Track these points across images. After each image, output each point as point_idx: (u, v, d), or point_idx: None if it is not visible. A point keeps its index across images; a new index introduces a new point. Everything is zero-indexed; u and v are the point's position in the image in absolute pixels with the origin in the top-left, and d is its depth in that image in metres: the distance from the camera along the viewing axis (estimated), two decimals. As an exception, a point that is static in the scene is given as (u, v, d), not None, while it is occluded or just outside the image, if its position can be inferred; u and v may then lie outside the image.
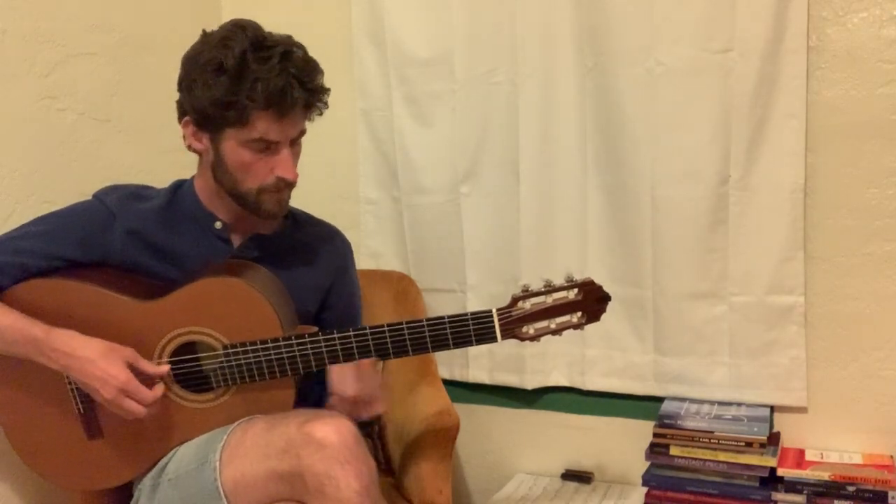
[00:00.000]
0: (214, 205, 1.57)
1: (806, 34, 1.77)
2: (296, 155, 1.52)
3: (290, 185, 1.51)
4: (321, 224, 1.73)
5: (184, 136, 1.53)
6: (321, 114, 1.53)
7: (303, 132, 1.52)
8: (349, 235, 1.76)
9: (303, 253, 1.65)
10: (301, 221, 1.70)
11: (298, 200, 1.70)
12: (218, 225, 1.57)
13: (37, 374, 1.46)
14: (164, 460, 1.50)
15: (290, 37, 1.47)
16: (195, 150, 1.54)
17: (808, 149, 1.81)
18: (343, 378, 1.46)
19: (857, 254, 1.82)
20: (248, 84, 1.39)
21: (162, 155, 2.06)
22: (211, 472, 1.38)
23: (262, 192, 1.49)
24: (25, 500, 1.75)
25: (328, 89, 1.50)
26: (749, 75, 1.80)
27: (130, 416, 1.40)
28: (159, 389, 1.43)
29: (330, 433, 1.30)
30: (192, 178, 1.61)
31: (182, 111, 1.50)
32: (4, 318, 1.43)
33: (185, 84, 1.47)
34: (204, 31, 1.49)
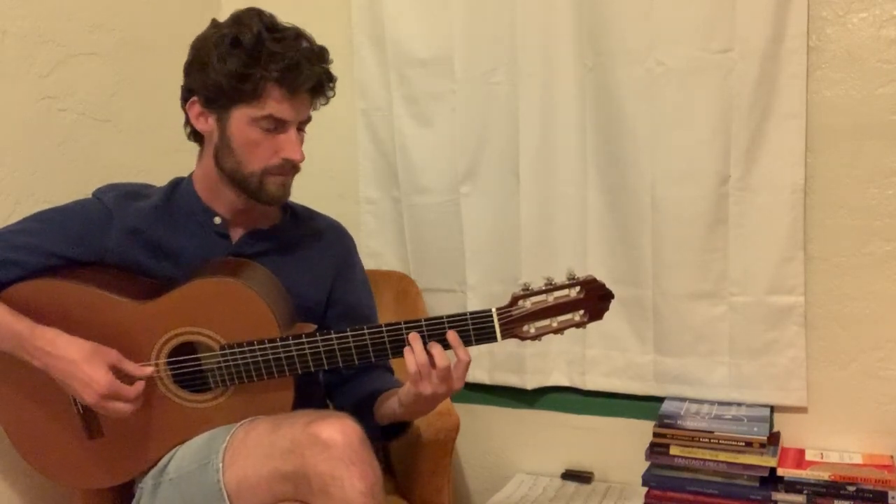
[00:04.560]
0: (213, 199, 1.57)
1: (806, 34, 1.77)
2: (300, 140, 1.53)
3: (295, 167, 1.52)
4: (322, 218, 1.72)
5: (186, 123, 1.54)
6: (326, 102, 1.55)
7: (309, 119, 1.53)
8: (349, 235, 1.76)
9: (303, 248, 1.64)
10: (301, 216, 1.69)
11: (299, 200, 1.70)
12: (217, 220, 1.56)
13: (37, 372, 1.45)
14: (165, 460, 1.49)
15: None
16: (198, 135, 1.54)
17: (808, 149, 1.81)
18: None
19: (857, 254, 1.83)
20: (264, 58, 1.43)
21: (162, 155, 2.06)
22: (213, 473, 1.37)
23: (267, 173, 1.49)
24: (25, 498, 1.75)
25: (335, 77, 1.53)
26: (749, 75, 1.80)
27: (117, 416, 1.41)
28: (140, 385, 1.43)
29: (335, 433, 1.29)
30: (190, 174, 1.60)
31: (188, 92, 1.51)
32: None
33: (196, 64, 1.49)
34: (214, 19, 1.51)
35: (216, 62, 1.44)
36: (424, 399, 1.43)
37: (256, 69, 1.42)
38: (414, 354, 1.39)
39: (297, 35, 1.47)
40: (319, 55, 1.49)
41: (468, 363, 1.41)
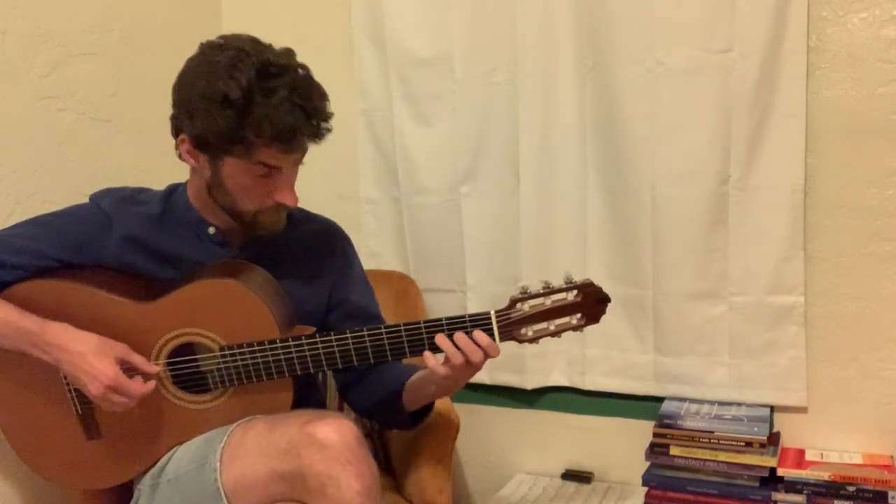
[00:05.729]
0: (208, 212, 1.55)
1: (806, 34, 1.77)
2: (295, 174, 1.50)
3: (289, 209, 1.50)
4: (318, 220, 1.70)
5: (176, 148, 1.49)
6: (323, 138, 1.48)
7: (305, 152, 1.48)
8: (349, 235, 1.75)
9: (300, 252, 1.63)
10: (297, 219, 1.66)
11: (298, 200, 1.70)
12: (211, 230, 1.56)
13: (35, 373, 1.46)
14: (164, 460, 1.49)
15: (291, 53, 1.43)
16: (188, 163, 1.52)
17: (808, 149, 1.81)
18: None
19: (857, 254, 1.82)
20: (255, 120, 1.35)
21: (162, 155, 2.05)
22: (211, 473, 1.37)
23: (260, 213, 1.48)
24: (25, 499, 1.75)
25: (332, 114, 1.46)
26: (749, 75, 1.80)
27: (117, 409, 1.41)
28: (150, 385, 1.42)
29: (331, 433, 1.30)
30: (185, 183, 1.59)
31: (177, 129, 1.47)
32: None
33: (184, 108, 1.42)
34: (202, 45, 1.44)
35: (204, 118, 1.37)
36: (456, 381, 1.47)
37: (247, 131, 1.36)
38: (448, 353, 1.42)
39: (292, 80, 1.37)
40: (316, 102, 1.41)
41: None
